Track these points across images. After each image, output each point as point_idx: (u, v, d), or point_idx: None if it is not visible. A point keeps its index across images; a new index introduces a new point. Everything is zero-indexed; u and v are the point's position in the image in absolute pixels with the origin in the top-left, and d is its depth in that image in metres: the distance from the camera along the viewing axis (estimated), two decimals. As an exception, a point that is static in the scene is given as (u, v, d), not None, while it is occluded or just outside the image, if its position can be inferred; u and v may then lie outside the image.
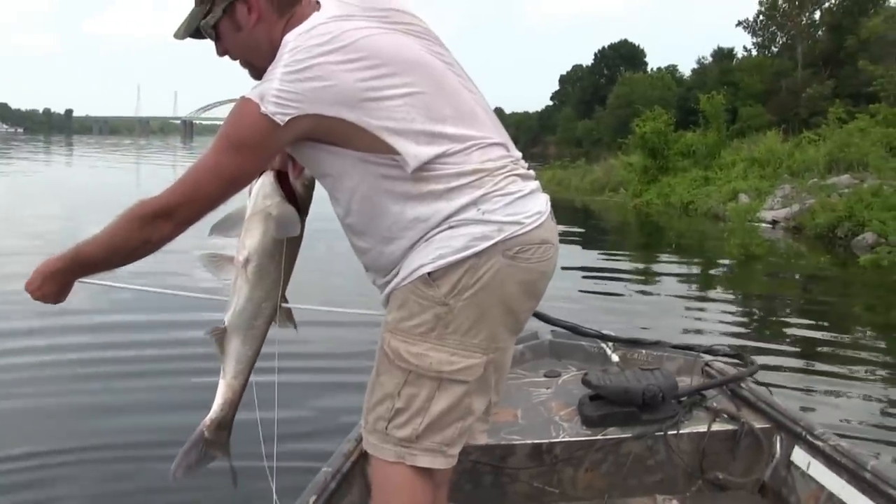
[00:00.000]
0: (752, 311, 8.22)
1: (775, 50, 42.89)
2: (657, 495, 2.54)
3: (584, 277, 9.05)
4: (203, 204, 1.57)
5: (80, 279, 1.74)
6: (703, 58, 51.10)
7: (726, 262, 11.57)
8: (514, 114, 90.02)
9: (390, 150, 1.52)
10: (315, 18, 1.55)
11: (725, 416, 2.64)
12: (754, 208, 15.73)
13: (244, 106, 1.49)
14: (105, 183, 21.97)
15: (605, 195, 22.84)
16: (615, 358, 3.14)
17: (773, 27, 43.18)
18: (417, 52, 1.60)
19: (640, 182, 21.46)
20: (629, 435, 2.54)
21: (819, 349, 6.07)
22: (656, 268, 11.06)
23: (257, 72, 1.59)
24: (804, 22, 40.00)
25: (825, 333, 6.71)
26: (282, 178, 1.73)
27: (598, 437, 2.54)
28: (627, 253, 12.83)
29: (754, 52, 44.04)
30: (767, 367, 4.61)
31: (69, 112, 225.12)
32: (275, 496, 1.91)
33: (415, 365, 1.59)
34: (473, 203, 1.55)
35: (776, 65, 38.83)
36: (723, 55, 47.35)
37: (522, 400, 2.82)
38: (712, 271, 10.85)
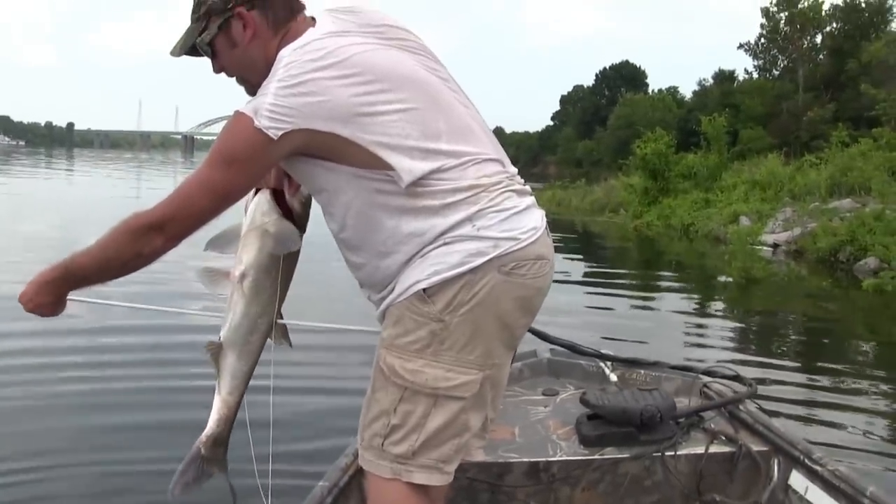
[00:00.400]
0: (752, 332, 8.20)
1: (776, 73, 42.94)
2: None
3: (586, 294, 9.13)
4: (195, 218, 1.57)
5: (71, 296, 1.72)
6: (704, 80, 51.15)
7: (727, 283, 11.55)
8: (514, 133, 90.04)
9: (384, 166, 1.52)
10: (310, 34, 1.56)
11: (723, 437, 2.62)
12: (755, 231, 15.72)
13: (238, 120, 1.50)
14: (104, 197, 21.94)
15: (606, 216, 22.90)
16: (613, 377, 3.13)
17: (775, 50, 43.29)
18: (412, 68, 1.61)
19: (640, 203, 21.54)
20: (626, 455, 2.52)
21: (819, 372, 6.04)
22: (656, 289, 11.07)
23: (253, 88, 1.60)
24: (805, 45, 40.10)
25: (825, 356, 6.69)
26: (278, 196, 1.73)
27: (596, 456, 2.53)
28: (627, 271, 12.86)
29: (755, 75, 44.15)
30: (766, 390, 4.60)
31: (71, 125, 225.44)
32: None
33: (410, 381, 1.58)
34: (469, 219, 1.55)
35: (777, 87, 38.92)
36: (724, 77, 47.40)
37: (520, 418, 2.80)
38: (713, 293, 10.83)
